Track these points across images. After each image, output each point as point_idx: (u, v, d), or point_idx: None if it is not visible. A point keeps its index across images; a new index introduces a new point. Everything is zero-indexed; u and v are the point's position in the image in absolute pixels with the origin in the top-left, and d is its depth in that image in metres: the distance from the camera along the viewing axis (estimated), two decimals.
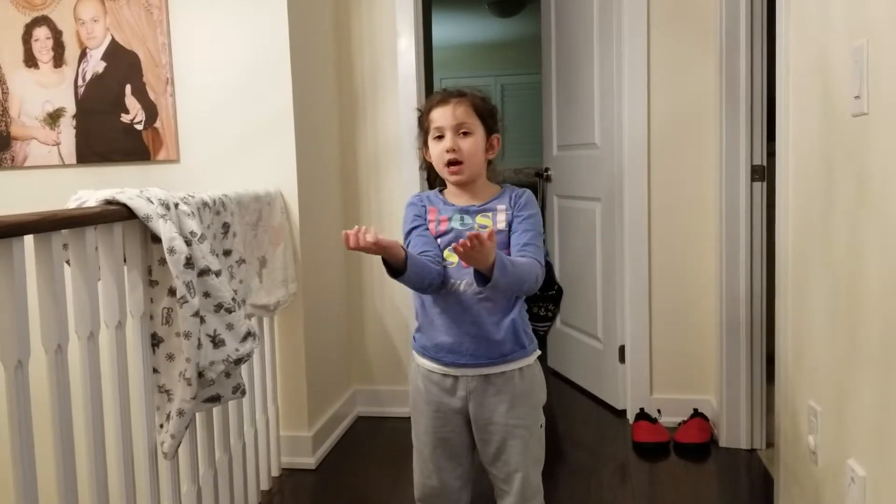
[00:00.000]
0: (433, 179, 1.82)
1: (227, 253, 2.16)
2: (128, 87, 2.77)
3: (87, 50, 2.79)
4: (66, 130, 2.83)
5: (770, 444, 2.78)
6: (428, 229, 1.71)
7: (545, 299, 2.20)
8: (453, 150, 1.65)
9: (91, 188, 1.80)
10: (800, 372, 1.99)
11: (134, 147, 2.78)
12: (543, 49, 3.88)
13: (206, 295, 1.85)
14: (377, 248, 1.53)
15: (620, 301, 3.19)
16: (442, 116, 1.67)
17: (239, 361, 1.91)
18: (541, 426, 1.73)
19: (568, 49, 3.59)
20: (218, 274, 1.88)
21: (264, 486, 2.59)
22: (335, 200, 3.22)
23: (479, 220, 1.67)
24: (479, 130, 1.68)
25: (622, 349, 3.20)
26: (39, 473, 1.46)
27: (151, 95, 2.76)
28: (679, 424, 2.95)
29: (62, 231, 1.55)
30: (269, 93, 2.71)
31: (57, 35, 2.80)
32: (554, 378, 3.69)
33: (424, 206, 1.74)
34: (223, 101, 2.75)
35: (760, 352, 2.79)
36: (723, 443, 2.86)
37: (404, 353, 3.33)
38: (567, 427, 3.19)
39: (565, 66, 3.63)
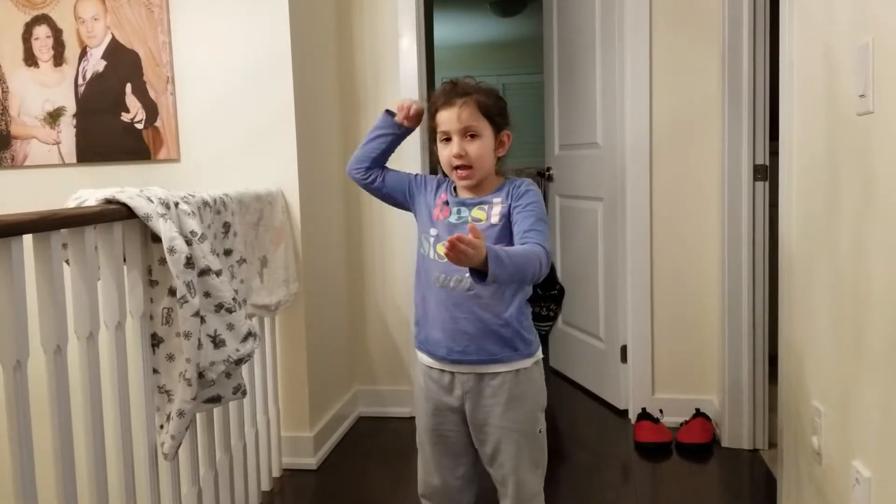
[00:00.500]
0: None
1: (227, 252, 2.15)
2: (128, 86, 2.76)
3: (88, 48, 2.78)
4: (67, 129, 2.82)
5: (773, 444, 2.77)
6: (410, 186, 1.79)
7: (547, 299, 2.19)
8: (461, 156, 1.63)
9: (91, 187, 1.78)
10: (803, 372, 1.98)
11: (134, 146, 2.78)
12: (545, 48, 3.87)
13: (207, 295, 1.84)
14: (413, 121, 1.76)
15: (622, 300, 3.18)
16: (448, 120, 1.63)
17: (240, 362, 1.90)
18: (539, 431, 1.70)
19: (570, 48, 3.58)
20: (218, 274, 1.87)
21: (265, 486, 2.58)
22: (336, 200, 3.21)
23: (475, 212, 1.65)
24: (486, 131, 1.64)
25: (624, 349, 3.19)
26: (39, 475, 1.45)
27: (152, 94, 2.75)
28: (681, 424, 2.94)
29: (61, 230, 1.54)
30: (270, 92, 2.70)
31: (57, 34, 2.79)
32: (555, 378, 3.69)
33: (435, 188, 1.74)
34: (224, 100, 2.74)
35: (763, 351, 2.78)
36: (725, 443, 2.85)
37: (406, 353, 3.32)
38: (569, 427, 3.18)
39: (567, 66, 3.62)
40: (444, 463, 1.72)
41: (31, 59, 2.82)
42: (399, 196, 1.79)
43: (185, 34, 2.73)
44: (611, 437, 3.04)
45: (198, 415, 2.03)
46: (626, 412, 3.20)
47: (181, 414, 1.78)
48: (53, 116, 2.82)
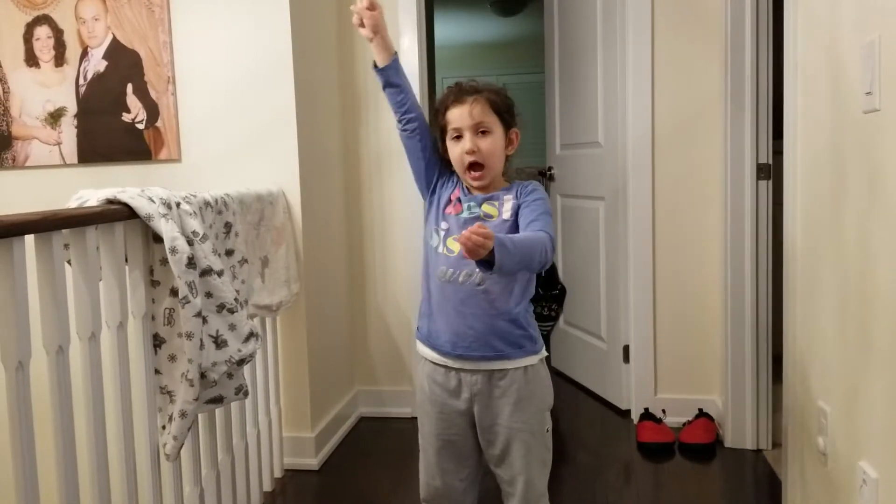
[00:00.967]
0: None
1: (229, 253, 2.14)
2: (129, 87, 2.75)
3: (89, 49, 2.77)
4: (68, 130, 2.81)
5: (776, 444, 2.76)
6: (440, 167, 1.73)
7: (548, 298, 2.18)
8: (473, 152, 1.63)
9: (92, 188, 1.78)
10: (808, 372, 1.97)
11: (135, 146, 2.77)
12: (546, 48, 3.86)
13: (209, 295, 1.83)
14: (372, 21, 1.64)
15: (624, 300, 3.17)
16: (459, 117, 1.64)
17: (241, 362, 1.90)
18: (547, 430, 1.70)
19: (571, 47, 3.57)
20: (220, 274, 1.86)
21: (267, 487, 2.57)
22: (338, 200, 3.20)
23: (486, 207, 1.66)
24: (497, 128, 1.65)
25: (626, 349, 3.18)
26: (41, 475, 1.44)
27: (153, 94, 2.74)
28: (684, 425, 2.93)
29: (63, 231, 1.53)
30: (271, 92, 2.69)
31: (58, 34, 2.79)
32: (557, 378, 3.67)
33: (452, 182, 1.72)
34: (225, 100, 2.73)
35: (766, 351, 2.77)
36: (728, 443, 2.84)
37: (407, 353, 3.31)
38: (571, 427, 3.17)
39: (568, 65, 3.61)
40: (449, 466, 1.71)
41: (32, 60, 2.82)
42: (422, 160, 1.72)
43: (185, 34, 2.73)
44: (613, 437, 3.03)
45: (199, 415, 2.02)
46: (628, 412, 3.19)
47: (183, 415, 1.77)
48: (54, 117, 2.81)
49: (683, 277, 3.05)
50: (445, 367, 1.67)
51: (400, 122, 1.72)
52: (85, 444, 1.62)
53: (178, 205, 1.80)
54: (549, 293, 2.21)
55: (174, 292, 1.78)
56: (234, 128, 2.73)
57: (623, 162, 3.10)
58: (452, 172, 1.73)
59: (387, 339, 3.34)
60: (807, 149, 1.96)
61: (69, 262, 1.59)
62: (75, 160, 2.82)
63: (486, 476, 1.77)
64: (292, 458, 2.76)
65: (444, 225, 1.68)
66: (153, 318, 1.81)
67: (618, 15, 3.08)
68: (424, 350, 1.72)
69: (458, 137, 1.65)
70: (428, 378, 1.71)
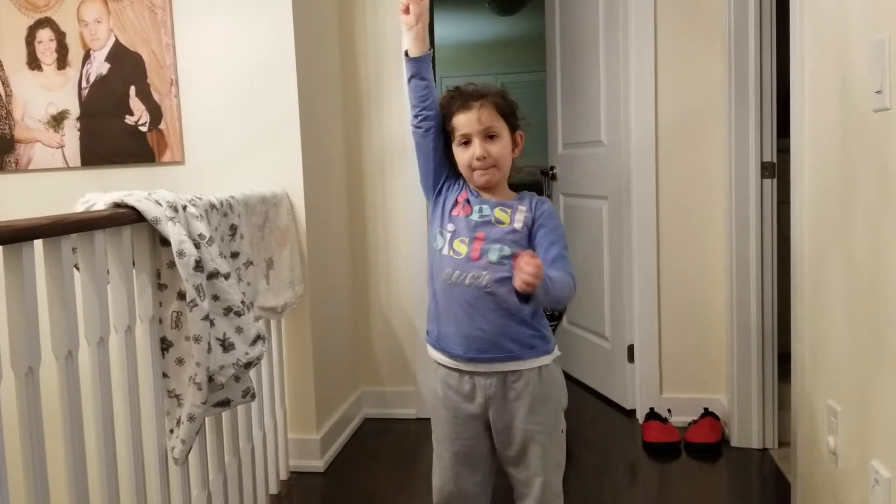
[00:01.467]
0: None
1: (234, 255, 2.14)
2: (132, 89, 2.74)
3: (91, 51, 2.77)
4: (71, 133, 2.81)
5: (783, 443, 2.76)
6: (449, 169, 1.72)
7: None
8: (484, 158, 1.63)
9: (96, 191, 1.77)
10: (818, 371, 1.96)
11: (138, 149, 2.76)
12: (548, 46, 3.85)
13: (216, 298, 1.82)
14: (419, 9, 1.64)
15: (629, 300, 3.17)
16: (468, 123, 1.64)
17: (249, 365, 1.89)
18: (562, 431, 1.71)
19: (573, 45, 3.57)
20: (227, 277, 1.85)
21: (273, 489, 2.57)
22: (341, 201, 3.20)
23: (497, 213, 1.65)
24: (504, 132, 1.66)
25: (631, 348, 3.18)
26: (50, 480, 1.44)
27: (156, 97, 2.73)
28: (689, 424, 2.93)
29: (71, 235, 1.52)
30: (274, 93, 2.69)
31: (60, 37, 2.78)
32: None
33: (458, 185, 1.71)
34: (228, 103, 2.72)
35: (772, 350, 2.76)
36: (734, 442, 2.83)
37: (411, 354, 3.31)
38: (576, 427, 3.17)
39: (570, 63, 3.61)
40: (463, 471, 1.70)
41: (34, 63, 2.81)
42: (434, 159, 1.71)
43: (188, 36, 2.72)
44: (618, 437, 3.02)
45: (206, 418, 2.02)
46: (633, 412, 3.19)
47: (191, 418, 1.77)
48: (57, 120, 2.81)
49: (688, 276, 3.05)
50: (458, 370, 1.66)
51: (417, 117, 1.69)
52: (94, 448, 1.62)
53: (184, 208, 1.80)
54: None
55: (181, 295, 1.77)
56: (237, 129, 2.73)
57: (626, 161, 3.09)
58: (458, 176, 1.73)
59: (391, 339, 3.34)
60: (814, 147, 1.95)
61: (77, 267, 1.58)
62: (78, 163, 2.81)
63: (497, 475, 1.76)
64: (298, 460, 2.76)
65: (450, 227, 1.66)
66: (161, 321, 1.80)
67: (620, 12, 3.08)
68: (436, 354, 1.71)
69: (466, 143, 1.65)
70: (441, 382, 1.70)
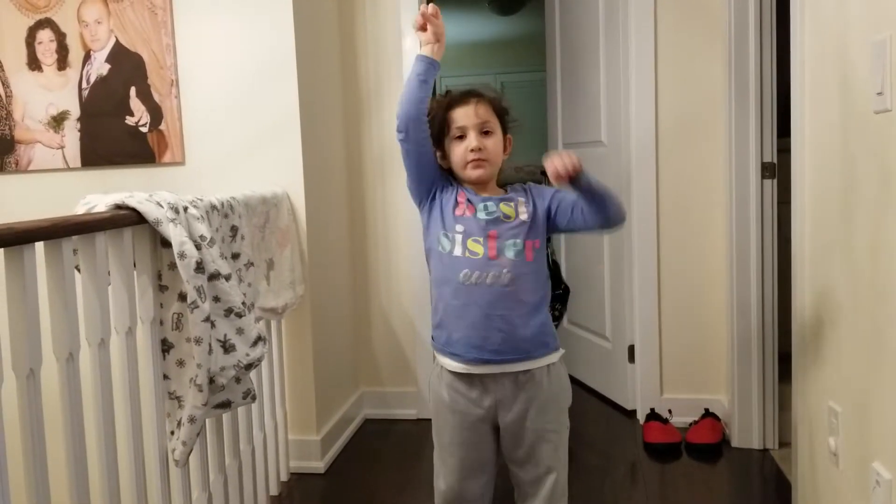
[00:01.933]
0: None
1: (235, 256, 2.14)
2: (132, 90, 2.74)
3: (91, 52, 2.76)
4: (71, 133, 2.80)
5: (783, 443, 2.76)
6: (438, 173, 1.71)
7: (552, 298, 2.17)
8: (479, 150, 1.64)
9: (96, 192, 1.77)
10: (818, 372, 1.96)
11: (139, 150, 2.76)
12: (548, 46, 3.85)
13: (216, 299, 1.82)
14: (437, 29, 1.64)
15: (629, 300, 3.17)
16: (465, 116, 1.65)
17: (249, 367, 1.89)
18: (567, 429, 1.73)
19: (573, 45, 3.56)
20: (228, 278, 1.85)
21: (273, 490, 2.57)
22: (341, 201, 3.20)
23: (503, 207, 1.65)
24: (498, 130, 1.69)
25: (631, 349, 3.18)
26: (51, 481, 1.44)
27: (156, 97, 2.73)
28: (690, 425, 2.93)
29: (72, 237, 1.52)
30: (274, 94, 2.69)
31: (60, 37, 2.78)
32: None
33: (452, 187, 1.70)
34: (228, 103, 2.72)
35: (772, 350, 2.76)
36: (735, 443, 2.83)
37: (411, 354, 3.30)
38: (577, 428, 3.11)
39: (570, 63, 3.61)
40: (469, 473, 1.69)
41: (34, 63, 2.81)
42: (429, 165, 1.69)
43: (189, 37, 2.72)
44: (619, 437, 3.02)
45: (206, 420, 2.02)
46: (634, 413, 3.19)
47: (192, 420, 1.77)
48: (57, 120, 2.81)
49: (688, 276, 3.05)
50: (468, 375, 1.65)
51: (405, 117, 1.65)
52: (95, 450, 1.62)
53: (185, 209, 1.80)
54: (553, 293, 2.20)
55: (182, 297, 1.77)
56: (237, 130, 2.72)
57: (626, 161, 3.09)
58: (449, 180, 1.72)
59: (391, 339, 3.34)
60: (815, 148, 1.95)
61: (78, 269, 1.58)
62: (78, 164, 2.81)
63: (497, 476, 1.76)
64: (298, 461, 2.76)
65: (458, 227, 1.64)
66: (161, 323, 1.80)
67: (620, 11, 3.08)
68: (445, 360, 1.68)
69: (462, 137, 1.66)
70: (448, 388, 1.68)
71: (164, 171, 2.77)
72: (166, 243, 1.74)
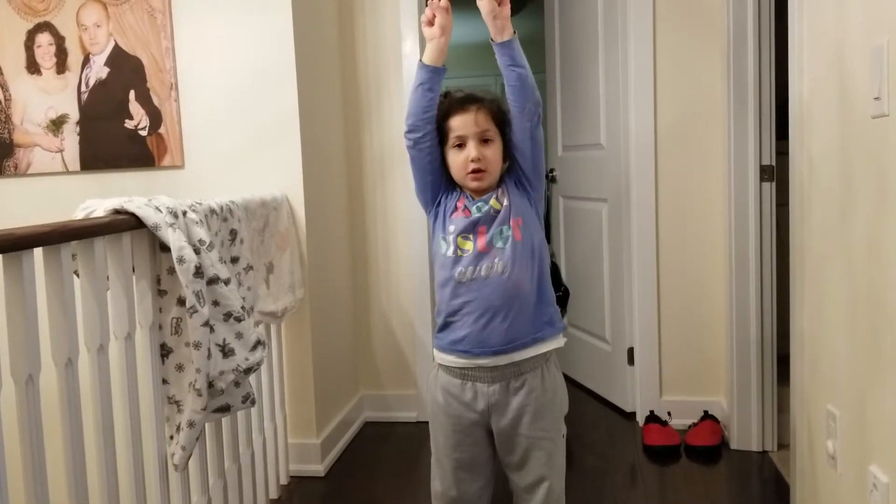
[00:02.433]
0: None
1: (234, 260, 2.14)
2: (131, 93, 2.74)
3: (90, 55, 2.77)
4: (70, 137, 2.81)
5: (782, 445, 2.77)
6: (440, 167, 1.70)
7: None
8: (478, 160, 1.62)
9: (95, 195, 1.78)
10: (817, 375, 1.97)
11: (138, 153, 2.76)
12: (547, 48, 3.86)
13: (216, 304, 1.82)
14: (444, 21, 1.65)
15: (629, 302, 3.17)
16: (464, 125, 1.63)
17: (249, 371, 1.89)
18: (563, 436, 1.71)
19: (572, 48, 3.57)
20: (227, 282, 1.85)
21: (273, 494, 2.57)
22: (341, 204, 3.20)
23: (493, 203, 1.64)
24: (497, 138, 1.66)
25: (631, 351, 3.18)
26: (51, 487, 1.44)
27: (155, 101, 2.73)
28: (689, 427, 2.93)
29: (71, 242, 1.53)
30: (274, 97, 2.69)
31: (59, 41, 2.78)
32: None
33: (455, 193, 1.70)
34: (228, 106, 2.72)
35: (771, 353, 2.77)
36: (734, 445, 2.83)
37: (411, 357, 3.31)
38: (576, 430, 3.17)
39: (569, 66, 3.61)
40: (465, 476, 1.70)
41: (33, 67, 2.81)
42: (436, 173, 1.69)
43: (188, 40, 2.72)
44: (618, 440, 3.03)
45: (206, 424, 2.02)
46: (633, 415, 3.19)
47: (191, 424, 1.77)
48: (56, 124, 2.81)
49: (687, 279, 3.05)
50: (462, 377, 1.65)
51: (413, 128, 1.66)
52: (94, 455, 1.62)
53: (184, 213, 1.80)
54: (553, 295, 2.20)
55: (181, 301, 1.78)
56: (237, 133, 2.73)
57: (626, 164, 3.09)
58: (454, 185, 1.72)
59: (391, 342, 3.34)
60: (813, 152, 1.95)
61: (77, 274, 1.59)
62: (78, 167, 2.81)
63: (496, 479, 1.76)
64: (298, 464, 2.76)
65: (451, 228, 1.65)
66: (160, 327, 1.80)
67: (619, 15, 3.08)
68: (444, 357, 1.67)
69: (461, 146, 1.65)
70: (442, 390, 1.69)
71: (163, 174, 2.77)
72: (165, 248, 1.74)
